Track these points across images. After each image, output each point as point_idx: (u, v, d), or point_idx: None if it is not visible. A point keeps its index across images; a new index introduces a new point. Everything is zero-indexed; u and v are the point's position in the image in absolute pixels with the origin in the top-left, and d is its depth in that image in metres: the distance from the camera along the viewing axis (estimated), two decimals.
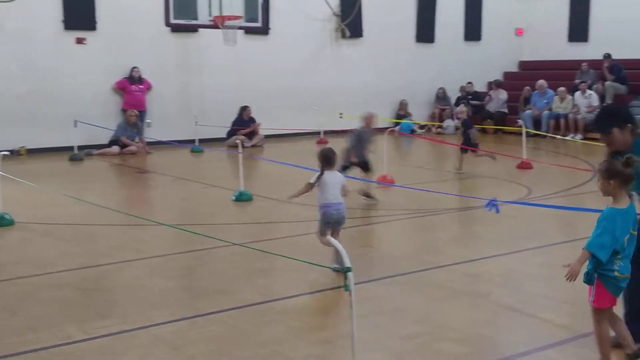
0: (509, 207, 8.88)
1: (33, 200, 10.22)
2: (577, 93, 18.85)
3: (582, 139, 17.42)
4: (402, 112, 20.55)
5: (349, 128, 18.60)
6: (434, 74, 21.42)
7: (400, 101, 20.87)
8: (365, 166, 10.17)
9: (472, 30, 22.47)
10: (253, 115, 17.73)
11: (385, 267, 7.01)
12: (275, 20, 18.51)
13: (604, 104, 17.43)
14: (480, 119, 20.42)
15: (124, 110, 16.76)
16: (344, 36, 19.97)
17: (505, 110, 20.63)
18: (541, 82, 19.72)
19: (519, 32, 23.33)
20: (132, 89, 16.91)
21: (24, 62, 15.79)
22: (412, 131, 19.50)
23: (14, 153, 15.06)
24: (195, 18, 15.81)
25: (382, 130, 12.85)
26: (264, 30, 17.86)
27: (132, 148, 16.21)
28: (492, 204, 6.91)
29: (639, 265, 4.47)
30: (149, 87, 17.27)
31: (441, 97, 21.57)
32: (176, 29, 17.05)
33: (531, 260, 7.15)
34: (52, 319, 5.55)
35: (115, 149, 16.09)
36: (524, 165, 13.24)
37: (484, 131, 20.09)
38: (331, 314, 5.57)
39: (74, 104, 15.99)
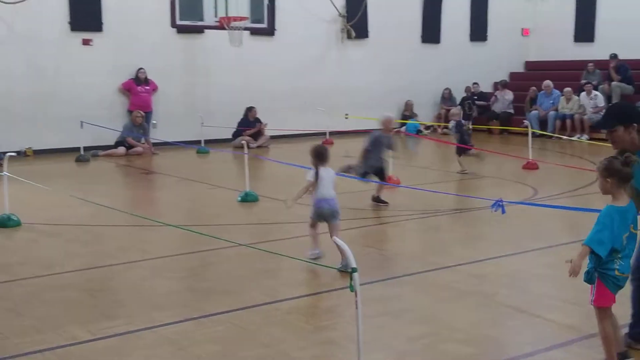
0: (514, 208, 8.85)
1: (39, 201, 10.24)
2: (583, 94, 18.81)
3: (588, 140, 17.39)
4: (407, 113, 20.54)
5: (355, 129, 18.78)
6: (439, 74, 21.40)
7: (406, 102, 20.85)
8: (379, 172, 9.97)
9: (478, 30, 22.44)
10: (259, 116, 17.73)
11: (390, 268, 7.00)
12: (281, 21, 18.52)
13: (613, 103, 17.40)
14: (486, 120, 20.41)
15: (130, 111, 16.79)
16: (349, 37, 19.97)
17: (511, 111, 20.59)
18: (547, 82, 19.68)
19: (525, 33, 23.29)
20: (138, 90, 16.93)
21: (30, 64, 15.84)
22: (418, 132, 19.52)
23: (21, 154, 15.11)
24: (201, 19, 15.85)
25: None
26: (269, 31, 17.88)
27: (138, 149, 16.24)
28: (498, 204, 6.90)
29: None
30: (155, 88, 17.29)
31: (447, 97, 21.55)
32: (182, 30, 17.08)
33: (537, 260, 7.13)
34: (57, 319, 5.56)
35: (121, 150, 16.12)
36: (530, 166, 13.22)
37: (489, 132, 20.09)
38: (336, 315, 5.57)
39: (81, 105, 16.03)
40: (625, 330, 4.88)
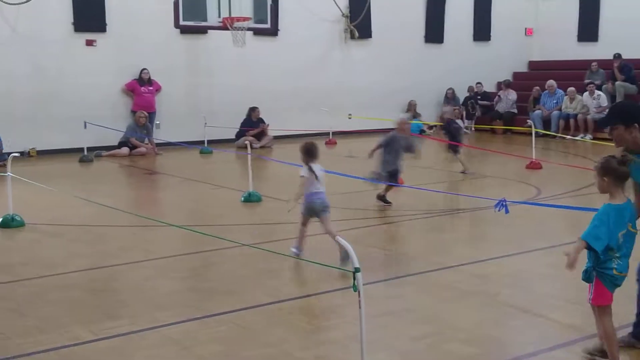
0: (518, 208, 8.84)
1: (43, 202, 10.26)
2: (585, 94, 18.78)
3: (591, 139, 17.36)
4: (410, 113, 20.52)
5: (358, 129, 18.77)
6: (443, 74, 21.38)
7: (409, 102, 20.85)
8: (393, 175, 9.77)
9: (482, 30, 22.43)
10: (262, 116, 17.75)
11: (393, 268, 7.00)
12: (284, 21, 18.52)
13: (618, 102, 17.38)
14: (490, 120, 20.40)
15: (133, 112, 16.82)
16: (352, 37, 19.97)
17: (515, 111, 20.58)
18: (551, 82, 19.66)
19: (528, 32, 23.27)
20: (141, 90, 16.96)
21: (34, 64, 15.87)
22: (421, 132, 19.51)
23: (24, 154, 15.13)
24: (205, 20, 15.82)
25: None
26: (273, 31, 17.85)
27: (142, 149, 16.26)
28: (502, 204, 6.89)
29: None
30: (158, 89, 17.32)
31: (450, 97, 21.53)
32: (185, 30, 17.07)
33: (540, 260, 7.12)
34: (61, 319, 5.56)
35: (124, 150, 16.14)
36: (534, 166, 13.20)
37: (493, 131, 20.08)
38: (339, 315, 5.57)
39: (84, 106, 16.05)
40: (629, 329, 4.88)
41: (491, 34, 22.61)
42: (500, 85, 21.52)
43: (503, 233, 8.36)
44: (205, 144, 16.56)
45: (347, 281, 4.10)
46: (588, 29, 21.73)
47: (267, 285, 6.45)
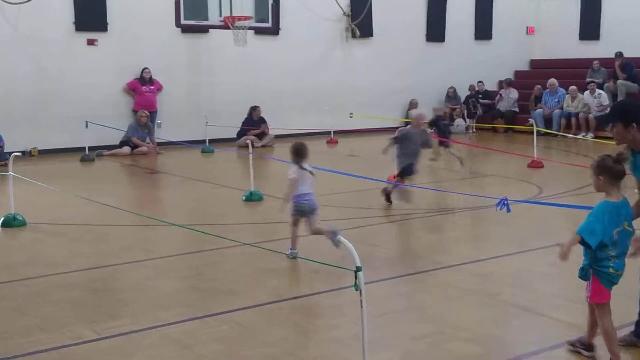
0: (519, 207, 8.83)
1: (44, 201, 10.26)
2: (586, 93, 18.77)
3: (593, 138, 17.35)
4: (414, 109, 20.51)
5: (359, 128, 18.77)
6: (444, 73, 21.38)
7: (411, 100, 20.84)
8: (406, 171, 9.61)
9: (483, 29, 22.41)
10: (263, 115, 17.75)
11: (395, 267, 7.00)
12: (285, 20, 18.52)
13: (621, 100, 17.37)
14: (491, 118, 20.40)
15: (134, 111, 16.83)
16: (354, 36, 19.96)
17: (516, 109, 20.57)
18: (552, 80, 19.65)
19: (530, 31, 23.25)
20: (142, 89, 16.97)
21: (35, 64, 15.88)
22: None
23: (26, 154, 15.14)
24: (206, 19, 15.81)
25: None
26: (274, 30, 17.85)
27: (143, 149, 16.27)
28: (503, 203, 6.89)
29: None
30: (159, 88, 17.32)
31: (452, 96, 21.53)
32: (187, 29, 17.08)
33: (542, 259, 7.11)
34: (62, 319, 5.56)
35: (126, 149, 16.14)
36: (535, 164, 13.20)
37: (494, 130, 20.08)
38: (341, 314, 5.56)
39: (85, 105, 16.06)
40: (631, 328, 4.88)
41: (492, 33, 22.59)
42: (501, 84, 21.50)
43: (504, 232, 8.36)
44: (207, 143, 16.56)
45: (348, 280, 4.09)
46: (589, 28, 21.71)
47: (268, 285, 6.45)
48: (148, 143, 16.48)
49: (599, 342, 4.66)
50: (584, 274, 4.50)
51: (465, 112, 20.99)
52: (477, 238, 8.52)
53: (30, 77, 15.82)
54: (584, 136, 17.89)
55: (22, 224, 8.85)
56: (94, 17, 16.49)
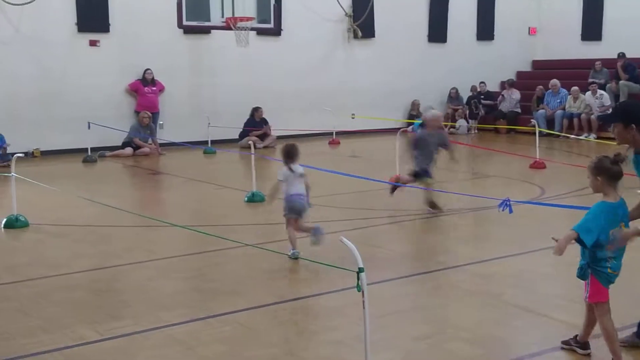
0: (522, 207, 8.83)
1: (47, 202, 10.28)
2: (588, 93, 18.76)
3: (595, 139, 17.34)
4: (414, 113, 20.51)
5: (361, 129, 18.77)
6: (446, 74, 21.36)
7: (413, 101, 20.84)
8: (422, 175, 9.38)
9: (485, 29, 22.40)
10: (265, 116, 17.75)
11: (397, 268, 7.00)
12: (287, 21, 18.53)
13: (623, 100, 17.37)
14: (493, 119, 20.38)
15: (137, 112, 16.84)
16: (356, 37, 19.96)
17: (518, 110, 20.55)
18: (554, 81, 19.64)
19: (532, 32, 23.24)
20: (145, 90, 16.98)
21: (38, 65, 15.90)
22: None
23: (28, 155, 15.16)
24: (208, 20, 15.83)
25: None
26: (276, 31, 17.87)
27: (145, 149, 16.28)
28: (505, 204, 6.88)
29: None
30: (161, 89, 17.34)
31: (454, 97, 21.52)
32: (189, 30, 17.09)
33: (544, 260, 7.10)
34: (65, 320, 5.57)
35: (128, 150, 16.16)
36: (537, 165, 13.19)
37: (497, 131, 20.06)
38: (343, 315, 5.56)
39: (88, 106, 16.08)
40: (633, 329, 4.88)
41: (494, 34, 22.58)
42: (503, 85, 21.49)
43: (507, 233, 8.35)
44: (209, 144, 16.57)
45: (351, 281, 4.10)
46: (592, 28, 21.70)
47: (270, 286, 6.45)
48: (150, 144, 16.50)
49: (599, 342, 4.66)
50: (582, 274, 4.55)
51: (467, 112, 20.98)
52: (479, 239, 8.51)
53: (33, 78, 15.84)
54: (586, 137, 17.88)
55: (25, 225, 8.87)
56: (96, 18, 16.51)
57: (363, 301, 4.02)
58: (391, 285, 6.40)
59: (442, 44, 21.68)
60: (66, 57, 16.24)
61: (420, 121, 19.67)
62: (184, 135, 16.60)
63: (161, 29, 16.89)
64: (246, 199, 10.32)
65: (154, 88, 17.12)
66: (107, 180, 13.12)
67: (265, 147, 17.09)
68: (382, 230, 8.98)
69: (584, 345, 4.71)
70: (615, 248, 4.43)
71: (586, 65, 20.31)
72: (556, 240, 4.41)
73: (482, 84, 21.31)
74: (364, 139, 18.72)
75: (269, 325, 5.47)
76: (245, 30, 15.11)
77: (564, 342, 4.82)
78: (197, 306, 5.89)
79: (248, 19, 15.04)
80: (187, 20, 15.55)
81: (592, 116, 18.30)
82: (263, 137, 17.41)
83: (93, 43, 16.58)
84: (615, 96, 18.71)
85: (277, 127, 17.64)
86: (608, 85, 19.12)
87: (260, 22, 16.18)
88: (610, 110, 16.64)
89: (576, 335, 4.77)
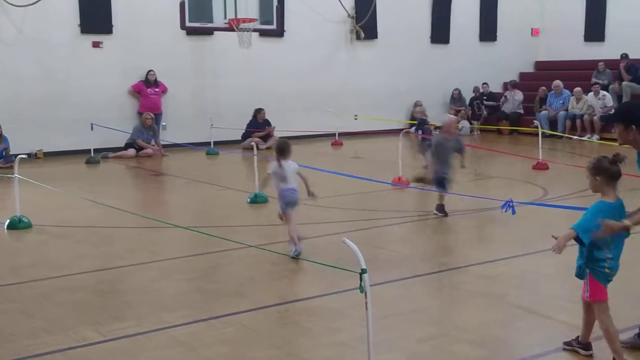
0: (525, 208, 8.83)
1: (50, 203, 10.28)
2: (590, 94, 18.74)
3: (598, 140, 17.32)
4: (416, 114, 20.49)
5: (364, 130, 18.77)
6: (449, 75, 21.35)
7: (415, 102, 20.79)
8: (441, 183, 9.23)
9: (488, 30, 22.39)
10: (268, 117, 17.76)
11: (400, 269, 6.99)
12: (290, 22, 18.53)
13: (626, 101, 17.36)
14: (496, 120, 20.37)
15: (139, 113, 16.86)
16: (358, 38, 19.96)
17: (521, 111, 20.53)
18: (557, 82, 19.62)
19: (535, 32, 23.22)
20: (148, 92, 16.99)
21: (41, 66, 15.92)
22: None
23: (31, 156, 15.18)
24: (211, 21, 15.84)
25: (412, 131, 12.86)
26: (279, 32, 17.88)
27: (148, 151, 16.29)
28: (508, 205, 6.89)
29: None
30: (164, 90, 17.35)
31: (457, 98, 21.51)
32: (191, 32, 17.10)
33: (547, 261, 7.09)
34: (68, 321, 5.58)
35: (131, 151, 16.17)
36: (540, 166, 13.18)
37: (499, 132, 20.05)
38: (346, 316, 5.56)
39: (91, 107, 16.10)
40: (635, 331, 4.87)
41: (497, 35, 22.57)
42: (506, 86, 21.48)
43: (510, 234, 8.35)
44: (212, 145, 16.58)
45: (354, 282, 4.10)
46: (595, 29, 21.68)
47: (273, 287, 6.45)
48: (153, 145, 16.51)
49: (602, 344, 4.66)
50: (580, 273, 4.59)
51: (470, 113, 20.97)
52: (483, 240, 8.51)
53: (36, 80, 15.86)
54: (589, 138, 17.85)
55: (28, 226, 8.88)
56: (99, 20, 16.53)
57: (366, 302, 4.02)
58: (394, 287, 6.39)
59: (445, 45, 21.67)
60: (69, 59, 16.26)
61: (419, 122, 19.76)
62: (186, 137, 16.62)
63: (164, 30, 16.91)
64: (249, 200, 10.31)
65: (157, 89, 17.14)
66: (110, 181, 13.12)
67: (267, 148, 17.05)
68: (385, 231, 8.97)
69: (587, 346, 4.71)
70: (599, 237, 4.44)
71: (589, 66, 20.29)
72: (556, 239, 4.45)
73: (484, 85, 21.30)
74: (366, 140, 18.72)
75: (272, 326, 5.47)
76: (248, 31, 15.12)
77: (566, 343, 4.82)
78: (200, 307, 5.89)
79: (251, 20, 15.04)
80: (189, 21, 15.56)
81: (595, 117, 18.29)
82: (266, 138, 17.41)
83: (96, 44, 16.60)
84: (618, 97, 18.69)
85: (280, 128, 17.64)
86: (611, 86, 19.10)
87: (262, 23, 16.19)
88: (612, 111, 16.64)
89: (578, 337, 4.77)
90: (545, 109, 19.56)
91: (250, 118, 17.74)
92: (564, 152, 16.17)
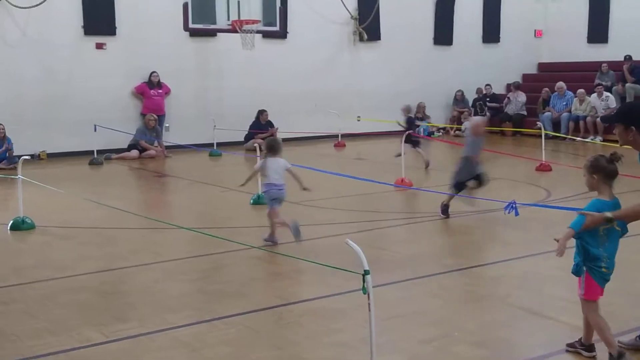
0: (528, 210, 8.83)
1: (53, 204, 10.30)
2: (593, 95, 18.73)
3: (601, 141, 17.30)
4: (419, 115, 20.49)
5: (367, 131, 18.77)
6: (452, 76, 21.36)
7: (418, 104, 20.79)
8: (460, 187, 9.29)
9: (491, 32, 22.39)
10: (271, 118, 17.78)
11: (403, 270, 6.99)
12: (293, 24, 18.54)
13: (627, 102, 17.36)
14: (499, 121, 20.36)
15: (143, 115, 16.89)
16: (361, 39, 19.97)
17: (524, 113, 20.52)
18: (560, 84, 19.61)
19: (538, 34, 23.21)
20: (151, 93, 17.02)
21: (44, 67, 15.95)
22: (430, 134, 19.51)
23: (35, 157, 15.21)
24: (214, 22, 15.86)
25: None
26: (282, 34, 17.91)
27: (151, 152, 16.31)
28: (511, 206, 6.89)
29: None
30: (167, 92, 17.37)
31: (460, 99, 21.51)
32: (195, 33, 17.12)
33: (550, 262, 7.08)
34: (71, 322, 5.59)
35: (134, 153, 16.19)
36: (543, 168, 13.18)
37: (502, 133, 20.03)
38: (348, 317, 5.57)
39: (94, 109, 16.13)
40: (635, 333, 4.88)
41: (500, 36, 22.57)
42: (509, 87, 21.46)
43: (512, 235, 8.34)
44: (215, 147, 16.59)
45: (356, 283, 4.10)
46: (598, 31, 21.66)
47: (276, 288, 6.46)
48: (156, 146, 16.53)
49: (602, 344, 4.65)
50: (577, 270, 4.62)
51: (473, 115, 20.94)
52: (485, 241, 8.50)
53: (39, 81, 15.90)
54: (592, 139, 17.83)
55: (31, 227, 8.89)
56: (103, 21, 16.56)
57: (369, 303, 4.02)
58: (397, 288, 6.40)
59: (448, 47, 21.67)
60: (72, 60, 16.29)
61: (427, 124, 19.75)
62: (189, 138, 16.64)
63: (167, 31, 16.94)
64: (252, 201, 10.32)
65: (160, 91, 17.16)
66: (113, 182, 13.14)
67: None
68: (388, 232, 8.97)
69: (589, 348, 4.71)
70: (583, 230, 4.47)
71: (592, 67, 20.28)
72: (557, 241, 4.46)
73: (487, 87, 21.29)
74: (369, 141, 18.72)
75: (274, 327, 5.48)
76: (251, 33, 15.13)
77: (569, 345, 4.82)
78: (203, 308, 5.90)
79: (254, 21, 15.06)
80: (193, 23, 15.60)
81: (598, 119, 18.28)
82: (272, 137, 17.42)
83: (99, 46, 16.64)
84: (622, 98, 18.68)
85: (283, 129, 17.65)
86: (614, 88, 19.09)
87: (266, 24, 16.21)
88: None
89: (581, 338, 4.77)
90: (549, 111, 19.55)
91: (253, 119, 17.76)
92: (567, 154, 16.15)
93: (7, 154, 14.62)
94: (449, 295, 6.19)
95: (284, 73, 18.63)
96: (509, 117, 20.45)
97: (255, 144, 11.37)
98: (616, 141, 4.90)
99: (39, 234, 8.79)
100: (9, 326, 5.51)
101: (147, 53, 17.00)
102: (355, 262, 4.04)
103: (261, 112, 17.74)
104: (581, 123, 18.62)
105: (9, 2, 15.29)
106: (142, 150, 16.30)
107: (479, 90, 21.34)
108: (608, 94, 18.66)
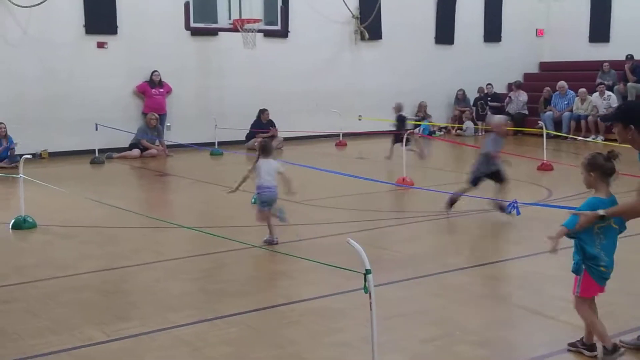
0: (529, 209, 8.83)
1: (55, 203, 10.31)
2: (595, 94, 18.72)
3: (603, 141, 17.29)
4: (421, 114, 20.50)
5: (368, 130, 18.77)
6: (453, 75, 21.35)
7: (420, 103, 20.82)
8: (476, 182, 9.33)
9: (492, 31, 22.38)
10: (272, 117, 17.78)
11: (404, 269, 6.99)
12: (294, 23, 18.54)
13: (627, 101, 17.34)
14: None
15: (144, 114, 16.89)
16: (363, 38, 19.97)
17: (526, 112, 20.51)
18: (562, 83, 19.60)
19: (539, 33, 23.20)
20: (152, 92, 17.02)
21: (45, 67, 15.95)
22: (430, 133, 19.51)
23: (36, 156, 15.22)
24: (215, 22, 15.86)
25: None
26: (283, 33, 17.91)
27: (153, 151, 16.31)
28: (513, 205, 6.90)
29: None
30: (169, 91, 17.37)
31: (461, 98, 21.50)
32: (196, 32, 17.12)
33: (551, 262, 7.05)
34: (72, 321, 5.59)
35: (135, 152, 16.20)
36: (545, 167, 13.18)
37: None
38: (349, 317, 5.57)
39: (95, 108, 16.13)
40: (636, 333, 4.88)
41: (502, 35, 22.56)
42: (510, 87, 21.45)
43: (514, 234, 8.34)
44: (216, 146, 16.59)
45: (358, 283, 4.10)
46: (599, 30, 21.65)
47: (277, 287, 6.46)
48: (157, 145, 16.53)
49: (600, 344, 4.66)
50: (577, 268, 4.63)
51: (474, 114, 20.96)
52: (487, 240, 8.50)
53: (41, 80, 15.90)
54: (593, 139, 17.82)
55: (33, 226, 8.90)
56: (104, 21, 16.57)
57: (370, 303, 4.03)
58: (398, 287, 6.40)
59: (449, 46, 21.66)
60: (74, 59, 16.29)
61: (427, 123, 19.75)
62: (191, 137, 16.65)
63: (169, 31, 16.94)
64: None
65: (162, 90, 17.16)
66: (114, 181, 13.15)
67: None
68: (389, 231, 8.97)
69: (591, 347, 4.71)
70: (577, 229, 4.48)
71: (594, 67, 20.27)
72: (551, 239, 4.49)
73: (489, 86, 21.28)
74: (370, 140, 18.71)
75: (276, 326, 5.48)
76: (253, 32, 15.13)
77: (570, 345, 4.82)
78: (204, 307, 5.90)
79: (255, 20, 15.06)
80: (194, 22, 15.60)
81: (599, 119, 18.26)
82: (270, 139, 17.41)
83: (101, 45, 16.64)
84: (623, 98, 18.67)
85: (284, 128, 17.65)
86: (616, 87, 19.08)
87: (267, 24, 16.21)
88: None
89: (582, 338, 4.77)
90: (550, 110, 19.54)
91: (255, 118, 17.76)
92: (569, 153, 16.15)
93: (9, 153, 14.62)
94: (450, 295, 6.19)
95: (285, 72, 18.63)
96: (510, 116, 20.40)
97: (256, 143, 11.36)
98: (617, 140, 4.90)
99: (40, 233, 8.79)
100: (11, 325, 5.51)
101: (148, 52, 17.00)
102: (357, 262, 4.04)
103: (262, 112, 17.74)
104: (582, 122, 18.62)
105: (10, 1, 15.30)
106: (144, 149, 16.30)
107: (480, 90, 21.33)
108: (610, 93, 18.65)
